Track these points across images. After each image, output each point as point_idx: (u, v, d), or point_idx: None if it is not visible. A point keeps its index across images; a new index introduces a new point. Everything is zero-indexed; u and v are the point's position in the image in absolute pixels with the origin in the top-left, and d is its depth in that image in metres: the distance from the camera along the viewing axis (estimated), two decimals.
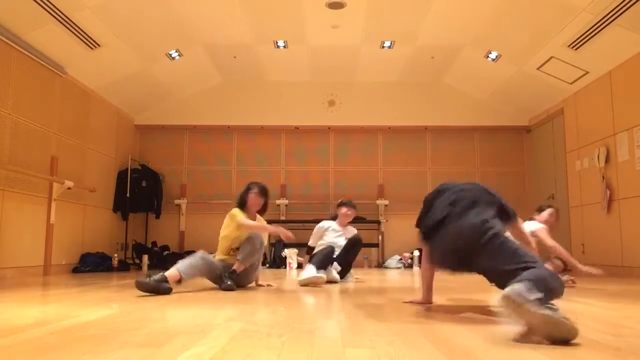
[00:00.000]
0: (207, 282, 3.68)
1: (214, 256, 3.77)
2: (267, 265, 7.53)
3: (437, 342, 1.62)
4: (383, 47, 7.01)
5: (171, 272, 3.27)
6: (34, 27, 5.06)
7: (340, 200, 5.07)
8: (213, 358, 1.37)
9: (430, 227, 2.40)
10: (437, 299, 3.01)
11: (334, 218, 4.98)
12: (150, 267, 6.88)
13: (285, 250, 7.15)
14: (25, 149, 5.23)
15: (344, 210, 4.85)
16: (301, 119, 8.22)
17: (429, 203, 2.55)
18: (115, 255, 6.64)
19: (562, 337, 1.58)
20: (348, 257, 4.67)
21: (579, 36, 5.57)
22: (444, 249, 2.38)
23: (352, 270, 4.86)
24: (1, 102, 4.86)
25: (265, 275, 5.53)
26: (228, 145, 8.33)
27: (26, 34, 5.08)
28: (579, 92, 6.68)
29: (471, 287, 3.88)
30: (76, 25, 5.32)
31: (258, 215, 3.97)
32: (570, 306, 2.66)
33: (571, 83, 6.60)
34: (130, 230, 7.70)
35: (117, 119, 7.54)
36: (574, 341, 1.59)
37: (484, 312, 2.41)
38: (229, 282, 3.52)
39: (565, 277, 4.41)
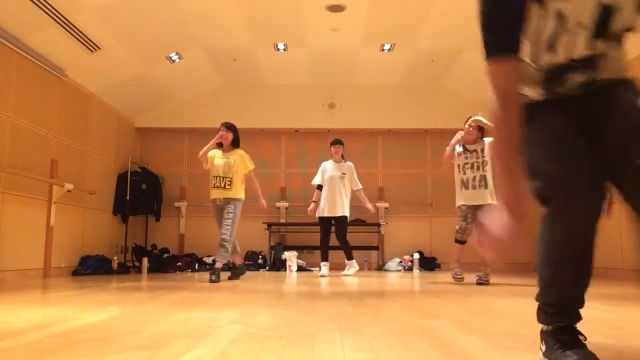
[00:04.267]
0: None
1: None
2: (267, 267, 7.52)
3: (437, 345, 1.62)
4: (383, 50, 7.02)
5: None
6: (35, 30, 5.07)
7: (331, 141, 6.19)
8: None
9: None
10: (438, 300, 3.00)
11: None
12: (150, 270, 6.87)
13: (285, 253, 7.14)
14: (26, 152, 5.23)
15: (332, 149, 6.10)
16: (301, 121, 8.22)
17: None
18: (115, 258, 6.63)
19: None
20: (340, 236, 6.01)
21: None
22: None
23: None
24: (1, 104, 4.86)
25: (265, 277, 5.53)
26: None
27: (27, 37, 5.09)
28: None
29: (471, 289, 3.88)
30: (76, 29, 5.33)
31: (236, 150, 5.27)
32: None
33: None
34: (130, 233, 7.69)
35: (117, 121, 7.54)
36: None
37: (484, 315, 2.40)
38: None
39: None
